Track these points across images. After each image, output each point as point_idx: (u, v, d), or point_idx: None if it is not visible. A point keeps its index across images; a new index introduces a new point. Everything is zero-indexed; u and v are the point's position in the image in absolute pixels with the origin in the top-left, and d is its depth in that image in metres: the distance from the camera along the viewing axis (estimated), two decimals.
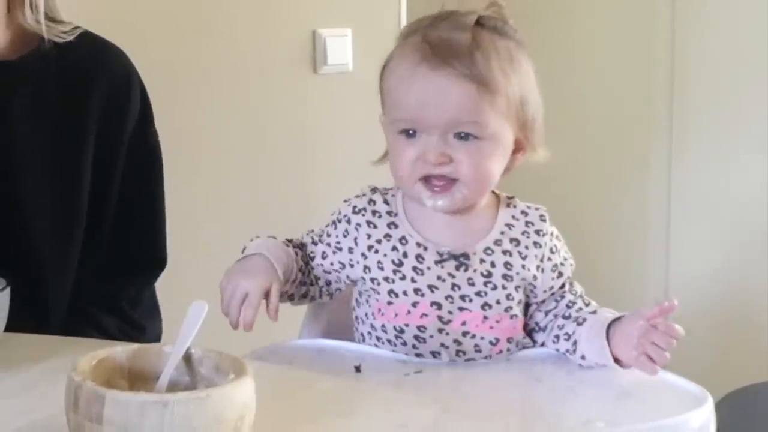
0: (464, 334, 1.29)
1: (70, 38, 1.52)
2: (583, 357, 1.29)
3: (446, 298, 1.28)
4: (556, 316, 1.34)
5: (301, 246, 1.37)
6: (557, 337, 1.32)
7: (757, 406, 2.25)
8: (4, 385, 1.15)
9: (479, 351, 1.30)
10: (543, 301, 1.35)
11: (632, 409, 1.21)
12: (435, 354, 1.29)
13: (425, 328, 1.28)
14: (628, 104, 3.03)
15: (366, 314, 1.34)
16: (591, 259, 2.87)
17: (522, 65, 1.29)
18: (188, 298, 1.10)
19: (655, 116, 3.00)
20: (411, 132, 1.26)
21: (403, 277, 1.28)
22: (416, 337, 1.29)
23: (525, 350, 1.36)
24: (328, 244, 1.35)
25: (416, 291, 1.28)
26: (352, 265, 1.33)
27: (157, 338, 1.61)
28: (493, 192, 1.35)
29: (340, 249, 1.34)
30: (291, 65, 2.34)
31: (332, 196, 2.25)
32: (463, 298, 1.28)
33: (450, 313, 1.29)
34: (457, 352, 1.29)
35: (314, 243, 1.37)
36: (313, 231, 1.39)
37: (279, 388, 1.14)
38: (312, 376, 1.22)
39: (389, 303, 1.29)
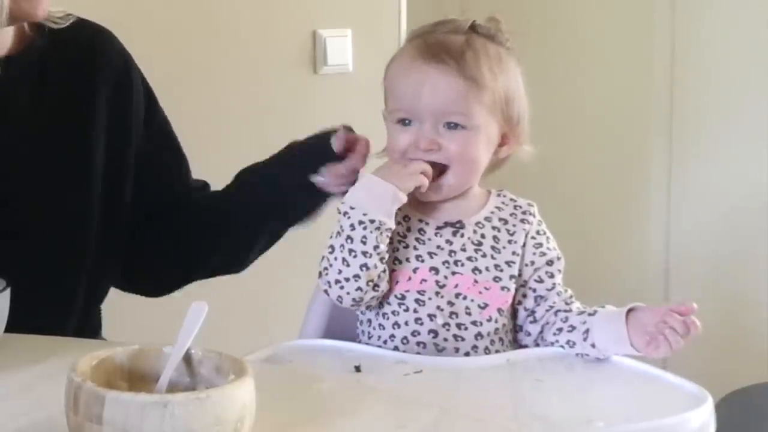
0: (457, 295, 1.38)
1: (65, 24, 1.51)
2: (593, 345, 1.33)
3: (443, 263, 1.39)
4: (554, 309, 1.40)
5: None
6: (560, 329, 1.37)
7: (757, 406, 2.25)
8: (4, 386, 1.15)
9: (469, 314, 1.38)
10: (543, 297, 1.41)
11: (632, 409, 1.21)
12: (431, 317, 1.37)
13: (424, 291, 1.38)
14: (628, 103, 3.03)
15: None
16: (591, 257, 2.88)
17: (510, 68, 1.42)
18: (188, 298, 1.10)
19: (655, 114, 3.00)
20: (407, 121, 1.39)
21: (407, 246, 1.40)
22: (417, 301, 1.38)
23: (525, 350, 1.39)
24: None
25: (417, 257, 1.39)
26: None
27: None
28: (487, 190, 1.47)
29: None
30: (291, 65, 2.34)
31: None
32: (456, 263, 1.39)
33: (445, 277, 1.39)
34: (450, 314, 1.38)
35: None
36: None
37: (279, 388, 1.14)
38: (312, 376, 1.22)
39: (393, 271, 1.38)
